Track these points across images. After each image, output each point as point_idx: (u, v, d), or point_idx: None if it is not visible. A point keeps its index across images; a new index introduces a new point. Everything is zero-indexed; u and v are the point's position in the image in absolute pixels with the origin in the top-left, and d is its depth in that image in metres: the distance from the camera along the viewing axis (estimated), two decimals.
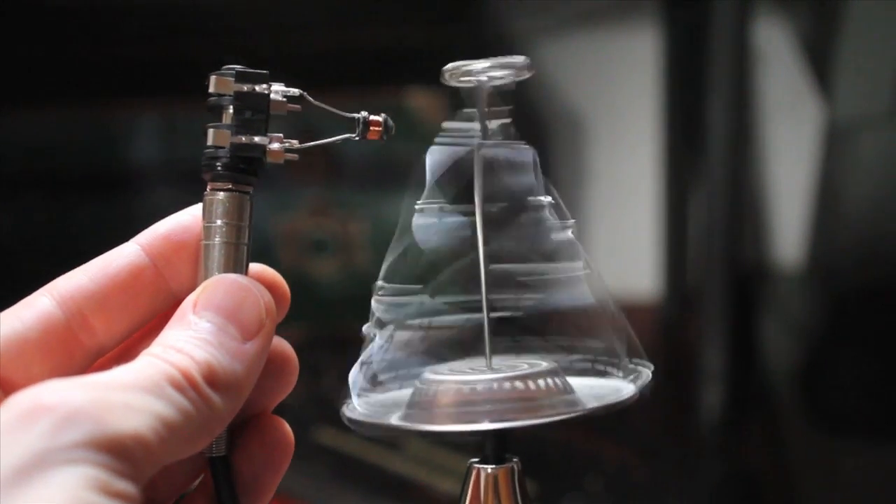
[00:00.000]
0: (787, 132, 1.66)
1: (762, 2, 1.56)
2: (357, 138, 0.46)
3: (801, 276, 1.61)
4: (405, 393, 0.46)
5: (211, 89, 0.45)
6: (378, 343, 0.47)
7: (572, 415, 0.43)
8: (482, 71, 0.46)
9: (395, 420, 0.44)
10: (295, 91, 0.45)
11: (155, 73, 1.57)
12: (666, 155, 1.65)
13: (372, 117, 0.46)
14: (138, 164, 1.53)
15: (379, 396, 0.47)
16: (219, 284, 0.43)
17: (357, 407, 0.46)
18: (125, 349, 0.45)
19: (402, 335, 0.47)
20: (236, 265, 0.44)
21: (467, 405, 0.43)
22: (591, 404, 0.44)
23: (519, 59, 0.46)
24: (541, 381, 0.44)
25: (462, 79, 0.46)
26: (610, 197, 1.72)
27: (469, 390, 0.43)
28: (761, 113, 1.66)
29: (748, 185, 1.66)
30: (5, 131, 1.56)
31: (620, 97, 1.70)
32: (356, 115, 0.46)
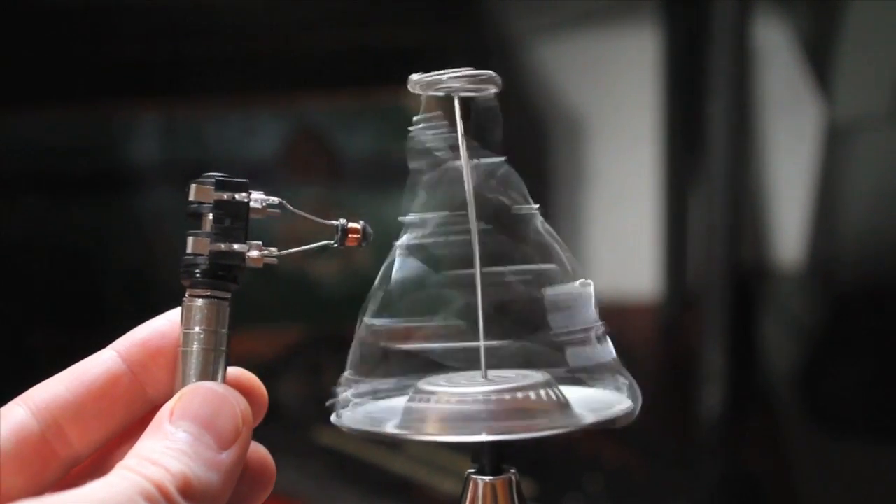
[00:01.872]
0: (787, 132, 1.66)
1: (762, 2, 1.56)
2: (336, 245, 0.47)
3: (801, 276, 1.61)
4: (401, 401, 0.46)
5: (191, 197, 0.44)
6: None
7: (569, 429, 0.43)
8: (447, 81, 0.46)
9: (390, 428, 0.44)
10: (274, 199, 0.45)
11: (155, 73, 1.57)
12: (666, 155, 1.65)
13: (351, 224, 0.46)
14: (138, 164, 1.53)
15: (375, 404, 0.47)
16: (195, 393, 0.43)
17: (344, 413, 0.46)
18: (101, 456, 0.45)
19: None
20: (214, 372, 0.44)
21: (463, 416, 0.43)
22: (586, 416, 0.44)
23: (485, 73, 0.46)
24: (535, 393, 0.44)
25: (429, 89, 0.46)
26: (610, 197, 1.72)
27: (464, 401, 0.43)
28: (761, 113, 1.66)
29: (748, 185, 1.66)
30: (5, 131, 1.56)
31: (620, 97, 1.70)
32: (335, 222, 0.46)
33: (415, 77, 0.46)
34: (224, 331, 0.44)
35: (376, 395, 0.47)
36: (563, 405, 0.44)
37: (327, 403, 0.47)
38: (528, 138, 1.66)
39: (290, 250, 0.46)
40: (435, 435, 0.44)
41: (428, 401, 0.44)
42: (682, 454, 1.37)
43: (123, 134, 1.54)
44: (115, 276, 1.58)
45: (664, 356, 1.64)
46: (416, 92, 0.46)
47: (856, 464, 1.29)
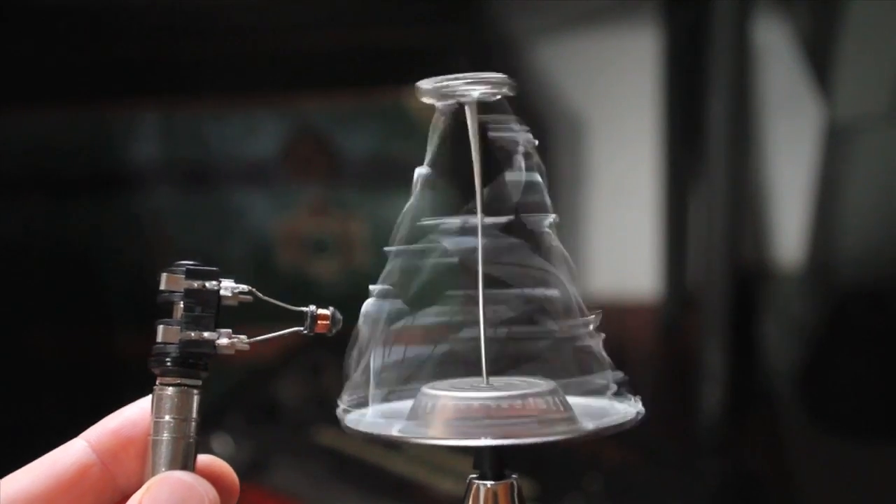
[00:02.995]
0: (787, 132, 1.66)
1: (762, 1, 1.56)
2: (305, 332, 0.47)
3: (801, 276, 1.61)
4: (405, 405, 0.46)
5: (162, 286, 0.45)
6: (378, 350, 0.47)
7: (571, 435, 0.44)
8: (459, 87, 0.45)
9: (395, 431, 0.45)
10: (244, 287, 0.46)
11: (155, 73, 1.57)
12: (666, 155, 1.65)
13: (320, 311, 0.47)
14: (138, 164, 1.53)
15: (379, 408, 0.47)
16: (163, 483, 0.43)
17: (349, 416, 0.46)
18: None
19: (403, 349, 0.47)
20: (184, 461, 0.44)
21: (467, 420, 0.43)
22: (589, 425, 0.44)
23: (497, 76, 0.46)
24: (540, 400, 0.44)
25: (439, 95, 0.46)
26: (610, 197, 1.72)
27: (469, 406, 0.44)
28: (761, 113, 1.66)
29: (748, 185, 1.66)
30: (5, 131, 1.56)
31: (620, 97, 1.70)
32: (305, 309, 0.47)
33: (423, 84, 0.46)
34: (194, 419, 0.45)
35: (381, 398, 0.47)
36: (567, 413, 0.44)
37: (338, 411, 0.47)
38: None
39: (260, 337, 0.46)
40: (438, 439, 0.44)
41: (433, 405, 0.44)
42: (682, 454, 1.37)
43: (123, 134, 1.54)
44: (115, 276, 1.58)
45: (664, 356, 1.64)
46: (425, 99, 0.46)
47: (856, 464, 1.29)
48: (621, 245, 1.70)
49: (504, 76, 0.46)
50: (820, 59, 1.37)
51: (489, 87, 0.46)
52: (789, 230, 1.66)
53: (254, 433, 1.24)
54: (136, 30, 1.58)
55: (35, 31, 1.56)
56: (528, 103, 1.65)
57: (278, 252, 1.52)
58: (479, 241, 0.46)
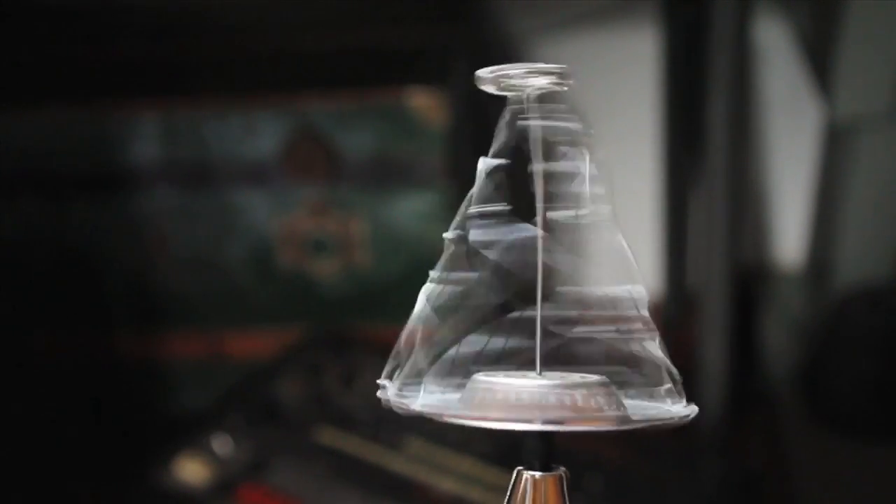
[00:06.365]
0: (787, 132, 1.66)
1: (762, 1, 1.56)
2: None
3: (801, 276, 1.61)
4: (455, 396, 0.46)
5: None
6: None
7: (624, 426, 0.44)
8: (519, 76, 0.45)
9: (449, 413, 0.44)
10: None
11: (155, 73, 1.57)
12: (666, 155, 1.65)
13: None
14: (138, 164, 1.53)
15: (428, 397, 0.47)
16: None
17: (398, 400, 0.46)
18: None
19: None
20: None
21: (518, 409, 0.43)
22: (639, 417, 0.45)
23: (558, 67, 0.46)
24: (588, 391, 0.44)
25: (503, 84, 0.46)
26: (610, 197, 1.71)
27: (521, 395, 0.44)
28: (761, 113, 1.66)
29: (748, 185, 1.66)
30: (5, 131, 1.56)
31: (620, 97, 1.70)
32: None
33: (483, 72, 0.45)
34: None
35: (432, 385, 0.47)
36: (619, 407, 0.45)
37: (380, 381, 0.46)
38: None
39: None
40: (493, 420, 0.44)
41: (483, 392, 0.44)
42: (682, 454, 1.37)
43: (123, 134, 1.54)
44: (115, 276, 1.58)
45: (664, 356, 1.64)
46: (485, 88, 0.46)
47: (856, 464, 1.29)
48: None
49: (564, 66, 0.45)
50: (820, 59, 1.37)
51: (551, 77, 0.45)
52: (789, 230, 1.66)
53: (254, 433, 1.24)
54: (136, 30, 1.58)
55: (35, 31, 1.56)
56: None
57: (278, 252, 1.52)
58: (539, 234, 0.46)
